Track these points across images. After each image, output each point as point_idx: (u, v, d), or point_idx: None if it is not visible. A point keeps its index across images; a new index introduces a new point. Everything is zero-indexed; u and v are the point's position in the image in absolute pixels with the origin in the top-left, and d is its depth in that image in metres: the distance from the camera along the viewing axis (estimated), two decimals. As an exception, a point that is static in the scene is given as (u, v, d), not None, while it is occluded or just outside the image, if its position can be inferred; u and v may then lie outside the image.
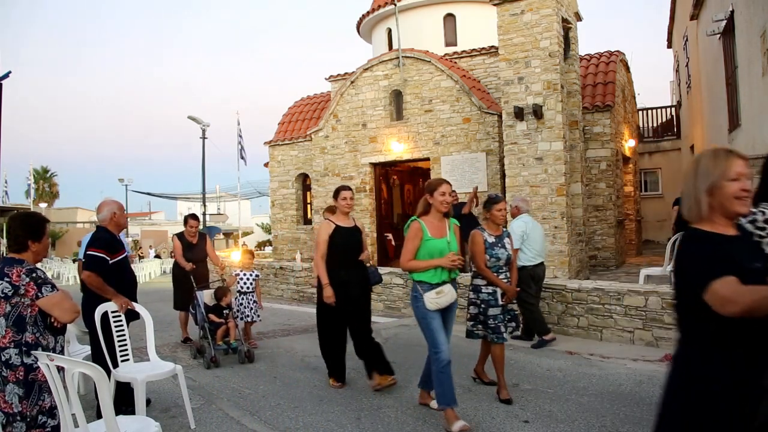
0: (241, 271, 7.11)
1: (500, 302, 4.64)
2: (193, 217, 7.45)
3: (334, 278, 4.97)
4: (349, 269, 5.05)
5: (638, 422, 4.07)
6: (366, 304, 5.24)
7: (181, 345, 7.53)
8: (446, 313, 4.19)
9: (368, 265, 6.64)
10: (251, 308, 7.00)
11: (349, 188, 5.25)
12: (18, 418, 2.88)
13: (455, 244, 4.22)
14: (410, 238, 4.16)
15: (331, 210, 6.66)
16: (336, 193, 5.22)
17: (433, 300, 4.04)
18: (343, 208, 5.17)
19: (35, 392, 2.92)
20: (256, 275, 7.14)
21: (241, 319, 6.89)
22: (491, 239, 4.70)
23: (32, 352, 2.91)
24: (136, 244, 38.19)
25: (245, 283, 7.02)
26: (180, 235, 7.35)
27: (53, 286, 2.99)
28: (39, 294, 2.92)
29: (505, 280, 4.72)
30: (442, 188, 4.18)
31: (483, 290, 4.68)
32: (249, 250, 7.41)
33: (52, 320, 2.99)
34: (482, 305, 4.67)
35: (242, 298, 6.99)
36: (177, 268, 7.27)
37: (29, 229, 3.08)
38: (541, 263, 6.75)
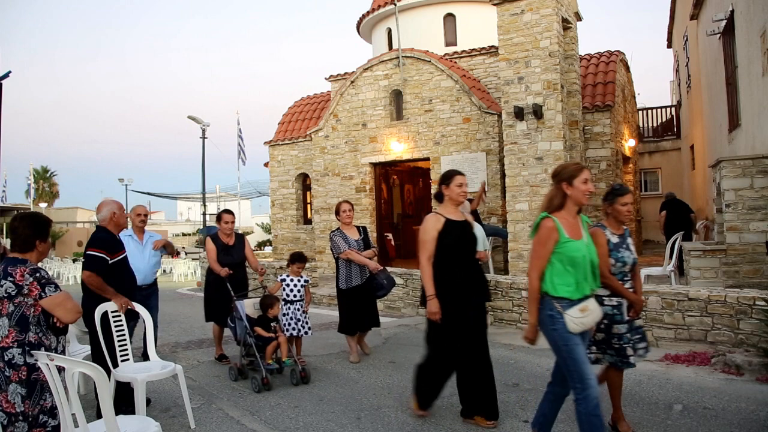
0: (288, 276, 6.08)
1: (626, 316, 3.79)
2: (228, 212, 6.42)
3: (445, 287, 3.98)
4: (464, 275, 4.06)
5: (638, 422, 4.07)
6: (485, 320, 4.24)
7: (181, 345, 7.52)
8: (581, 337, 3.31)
9: (378, 271, 6.03)
10: (302, 320, 5.94)
11: (463, 173, 4.23)
12: (20, 417, 2.88)
13: (593, 247, 3.38)
14: (542, 241, 3.26)
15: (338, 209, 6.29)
16: (448, 179, 4.19)
17: (578, 320, 3.19)
18: (458, 196, 4.14)
19: (37, 392, 2.93)
20: (306, 281, 6.11)
21: (292, 333, 5.86)
22: (615, 239, 3.83)
23: (33, 352, 2.91)
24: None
25: (292, 291, 5.99)
26: (214, 236, 6.32)
27: (56, 286, 2.99)
28: (42, 294, 2.93)
29: (630, 290, 3.84)
30: (584, 174, 3.32)
31: (606, 302, 3.75)
32: (299, 253, 6.33)
33: (55, 320, 2.99)
34: (604, 321, 3.76)
35: (289, 308, 5.93)
36: (211, 275, 6.21)
37: (37, 229, 3.09)
38: None
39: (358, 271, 6.13)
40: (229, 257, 6.15)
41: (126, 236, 5.64)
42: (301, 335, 5.94)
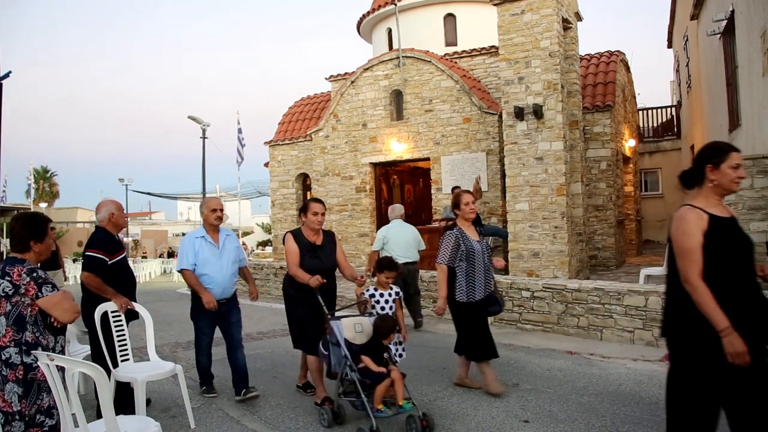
0: (377, 290, 4.72)
1: None
2: (318, 201, 4.75)
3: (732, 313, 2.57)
4: (746, 298, 2.68)
5: (638, 422, 4.07)
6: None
7: (182, 345, 7.49)
8: None
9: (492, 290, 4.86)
10: (398, 344, 4.64)
11: (739, 150, 2.84)
12: (17, 417, 2.89)
13: None
14: None
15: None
16: (719, 155, 2.79)
17: None
18: (730, 184, 2.78)
19: (34, 391, 2.93)
20: (397, 293, 4.78)
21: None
22: None
23: (32, 351, 2.92)
24: (137, 244, 38.23)
25: (383, 308, 4.65)
26: (296, 233, 4.69)
27: (53, 286, 2.99)
28: (39, 294, 2.93)
29: None
30: None
31: None
32: (388, 258, 4.99)
33: (52, 320, 2.99)
34: None
35: None
36: (292, 286, 4.66)
37: (32, 230, 3.09)
38: (409, 262, 7.38)
39: (482, 279, 4.77)
40: (316, 261, 4.57)
41: (197, 238, 4.80)
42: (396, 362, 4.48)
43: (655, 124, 19.73)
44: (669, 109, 20.01)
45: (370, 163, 13.80)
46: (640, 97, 19.57)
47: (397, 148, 13.25)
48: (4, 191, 30.65)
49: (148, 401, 4.53)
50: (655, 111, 19.89)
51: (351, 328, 4.26)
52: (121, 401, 4.26)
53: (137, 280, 5.21)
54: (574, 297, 6.96)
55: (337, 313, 4.43)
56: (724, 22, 8.84)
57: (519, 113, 10.28)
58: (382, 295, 4.69)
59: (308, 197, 16.16)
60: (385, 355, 4.21)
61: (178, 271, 4.90)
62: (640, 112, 19.00)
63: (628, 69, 14.72)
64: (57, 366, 2.80)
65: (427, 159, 13.03)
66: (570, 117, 10.89)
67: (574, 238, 10.48)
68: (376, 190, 14.14)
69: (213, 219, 4.82)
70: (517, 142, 10.45)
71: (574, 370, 5.50)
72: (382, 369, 4.01)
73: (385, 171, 14.62)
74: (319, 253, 4.63)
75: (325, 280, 4.39)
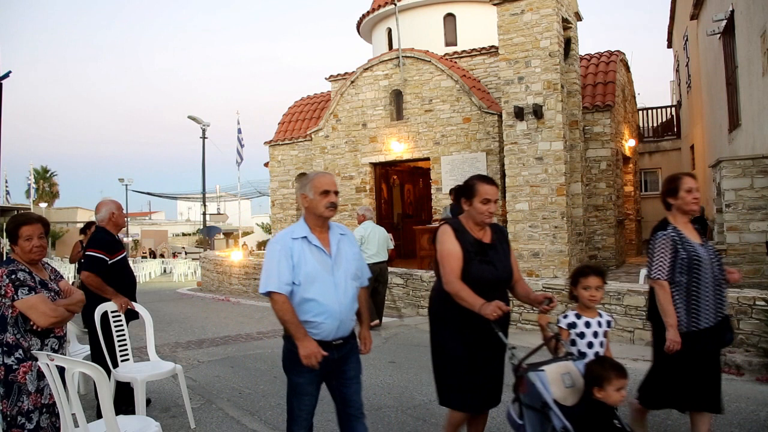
0: (579, 316, 3.15)
1: None
2: (487, 180, 3.04)
3: None
4: None
5: (638, 422, 4.06)
6: None
7: (181, 345, 7.48)
8: None
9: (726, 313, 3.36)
10: None
11: None
12: None
13: None
14: None
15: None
16: None
17: None
18: None
19: (14, 393, 2.91)
20: (608, 322, 3.20)
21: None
22: None
23: (34, 352, 2.91)
24: (137, 244, 38.24)
25: (591, 344, 3.13)
26: (457, 226, 3.06)
27: (30, 289, 2.95)
28: (15, 296, 2.91)
29: None
30: None
31: None
32: (588, 265, 3.81)
33: (32, 323, 2.98)
34: None
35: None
36: (447, 305, 2.99)
37: (6, 233, 3.10)
38: (381, 261, 7.83)
39: (711, 297, 3.26)
40: (488, 269, 3.01)
41: (296, 239, 2.83)
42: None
43: (655, 124, 19.74)
44: (669, 109, 20.02)
45: (370, 163, 13.80)
46: (640, 97, 19.60)
47: (397, 148, 13.25)
48: (7, 191, 30.70)
49: (148, 401, 4.52)
50: (655, 111, 19.90)
51: (558, 381, 2.71)
52: (121, 401, 4.27)
53: (137, 280, 5.20)
54: (574, 297, 6.95)
55: (529, 358, 2.78)
56: (724, 22, 8.85)
57: (519, 113, 10.28)
58: (588, 324, 3.09)
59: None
60: (617, 423, 2.64)
61: (264, 294, 2.82)
62: (640, 112, 19.00)
63: (628, 69, 14.72)
64: (57, 366, 2.80)
65: (427, 159, 13.03)
66: (570, 117, 10.89)
67: (574, 238, 10.48)
68: (376, 190, 14.14)
69: (324, 207, 2.83)
70: (517, 142, 10.45)
71: (574, 370, 5.49)
72: None
73: (385, 171, 14.62)
74: (491, 257, 3.03)
75: (509, 308, 2.89)
